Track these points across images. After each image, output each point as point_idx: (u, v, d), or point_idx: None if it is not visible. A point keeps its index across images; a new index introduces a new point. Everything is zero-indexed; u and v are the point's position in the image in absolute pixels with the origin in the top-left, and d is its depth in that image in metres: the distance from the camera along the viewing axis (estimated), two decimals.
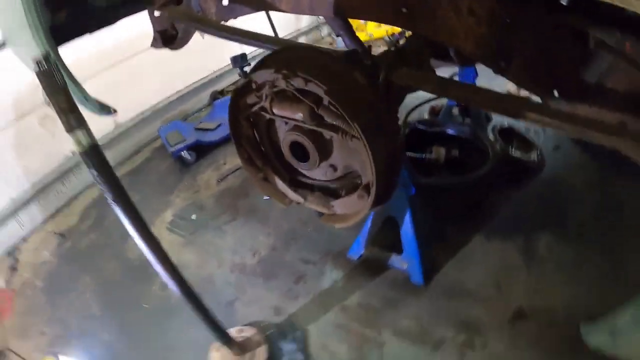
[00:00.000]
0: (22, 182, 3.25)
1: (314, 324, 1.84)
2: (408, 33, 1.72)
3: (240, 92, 1.03)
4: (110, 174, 1.11)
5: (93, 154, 1.08)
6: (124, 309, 2.34)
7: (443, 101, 2.67)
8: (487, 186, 2.12)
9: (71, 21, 1.42)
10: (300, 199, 1.16)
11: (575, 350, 1.49)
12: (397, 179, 1.09)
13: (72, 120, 1.05)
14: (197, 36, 1.89)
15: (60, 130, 2.85)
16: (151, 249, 1.26)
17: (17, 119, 3.15)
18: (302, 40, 5.16)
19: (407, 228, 1.77)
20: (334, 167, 1.04)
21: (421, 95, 1.40)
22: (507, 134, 2.42)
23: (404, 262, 1.87)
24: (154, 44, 1.92)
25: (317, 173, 1.10)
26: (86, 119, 1.17)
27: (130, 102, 3.51)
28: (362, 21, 4.31)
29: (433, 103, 2.77)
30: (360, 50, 1.17)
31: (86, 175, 3.42)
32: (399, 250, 1.88)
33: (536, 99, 0.99)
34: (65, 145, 3.38)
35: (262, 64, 0.97)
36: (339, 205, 1.12)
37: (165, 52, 2.00)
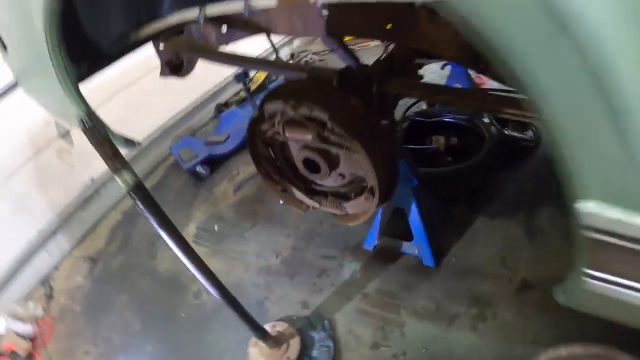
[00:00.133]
0: (46, 213, 3.49)
1: (339, 312, 2.05)
2: None
3: (255, 121, 1.26)
4: (153, 204, 1.32)
5: (138, 190, 1.29)
6: (163, 320, 2.54)
7: None
8: (487, 169, 2.29)
9: (90, 69, 1.63)
10: (316, 205, 1.39)
11: (578, 313, 1.70)
12: (396, 179, 1.32)
13: (118, 164, 1.26)
14: None
15: (77, 161, 3.12)
16: (192, 261, 1.49)
17: (34, 155, 3.38)
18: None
19: (414, 217, 1.97)
20: (342, 176, 1.27)
21: None
22: None
23: (415, 248, 2.07)
24: (163, 74, 2.14)
25: (328, 181, 1.32)
26: None
27: (140, 124, 3.73)
28: None
29: None
30: (353, 66, 1.39)
31: (106, 200, 3.69)
32: (409, 237, 2.06)
33: None
34: (84, 174, 3.62)
35: (273, 96, 1.19)
36: (350, 207, 1.34)
37: None
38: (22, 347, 2.82)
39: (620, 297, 0.52)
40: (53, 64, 1.30)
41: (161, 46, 1.97)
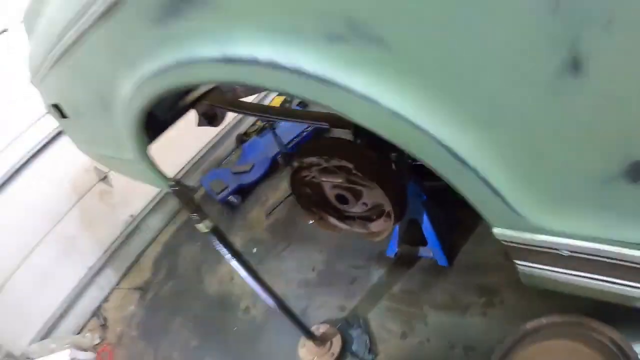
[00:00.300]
0: (94, 251, 4.00)
1: (371, 311, 2.48)
2: None
3: (297, 170, 1.74)
4: (225, 239, 1.78)
5: (214, 231, 1.74)
6: (217, 335, 2.98)
7: None
8: None
9: (151, 138, 2.07)
10: (347, 227, 1.86)
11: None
12: (407, 201, 1.79)
13: (199, 215, 1.72)
14: None
15: (117, 201, 3.67)
16: (256, 280, 1.95)
17: (79, 199, 3.90)
18: None
19: (426, 225, 2.41)
20: (366, 204, 1.74)
21: None
22: None
23: (430, 251, 2.49)
24: (200, 124, 2.61)
25: (355, 209, 1.79)
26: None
27: (170, 162, 4.22)
28: None
29: None
30: None
31: (146, 234, 4.19)
32: (424, 243, 2.46)
33: None
34: (124, 212, 4.13)
35: (309, 152, 1.67)
36: (374, 226, 1.82)
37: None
38: None
39: (541, 275, 0.95)
40: (133, 146, 1.74)
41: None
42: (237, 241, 3.43)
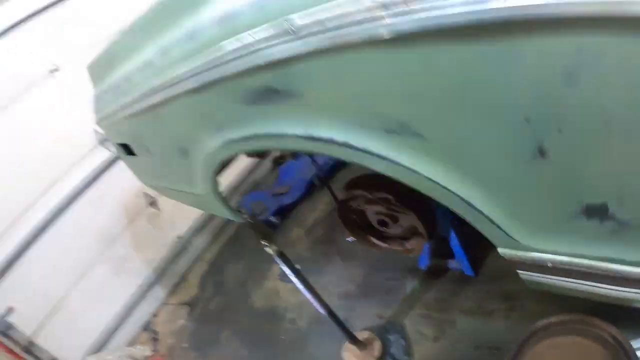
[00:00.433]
0: (143, 270, 4.42)
1: (407, 318, 2.83)
2: None
3: (345, 200, 2.17)
4: (289, 261, 2.20)
5: (280, 255, 2.17)
6: (266, 344, 3.35)
7: None
8: None
9: None
10: (386, 246, 2.28)
11: None
12: (437, 223, 2.20)
13: (268, 241, 2.15)
14: None
15: (164, 224, 4.15)
16: (310, 292, 2.36)
17: (129, 222, 4.34)
18: None
19: (454, 241, 2.76)
20: (402, 227, 2.16)
21: None
22: None
23: (457, 262, 2.83)
24: (250, 155, 3.05)
25: (394, 230, 2.21)
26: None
27: None
28: None
29: None
30: None
31: (192, 253, 4.62)
32: (452, 256, 2.79)
33: None
34: (171, 233, 4.57)
35: (356, 186, 2.09)
36: (409, 244, 2.23)
37: None
38: None
39: (536, 280, 1.33)
40: (207, 186, 2.04)
41: None
42: None
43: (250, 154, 2.90)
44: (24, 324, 3.95)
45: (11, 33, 4.00)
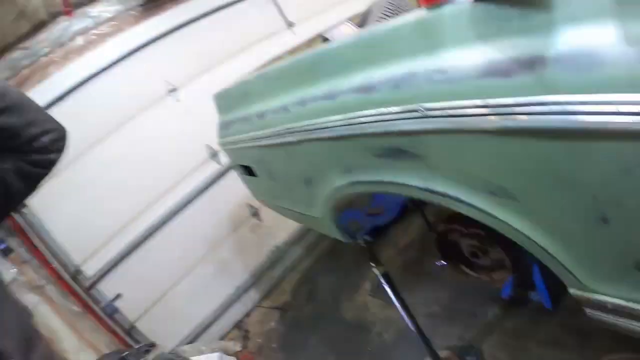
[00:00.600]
0: (242, 273, 4.93)
1: (486, 343, 3.08)
2: None
3: (443, 231, 2.56)
4: (392, 282, 2.60)
5: (385, 276, 2.57)
6: (353, 353, 3.63)
7: None
8: None
9: None
10: (475, 275, 2.65)
11: None
12: (522, 258, 2.54)
13: (376, 263, 2.55)
14: None
15: (265, 233, 4.68)
16: (402, 307, 2.75)
17: (233, 230, 4.87)
18: None
19: (536, 274, 3.08)
20: (491, 259, 2.52)
21: None
22: None
23: (538, 295, 3.16)
24: None
25: (483, 261, 2.57)
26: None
27: None
28: None
29: None
30: None
31: (288, 262, 5.09)
32: (534, 288, 2.96)
33: None
34: (270, 243, 5.07)
35: (453, 221, 2.47)
36: (496, 275, 2.58)
37: None
38: None
39: (599, 317, 1.64)
40: (327, 213, 2.49)
41: None
42: (371, 275, 3.83)
43: None
44: (128, 309, 4.62)
45: (136, 55, 4.71)
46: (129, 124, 4.67)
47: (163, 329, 4.72)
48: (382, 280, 2.67)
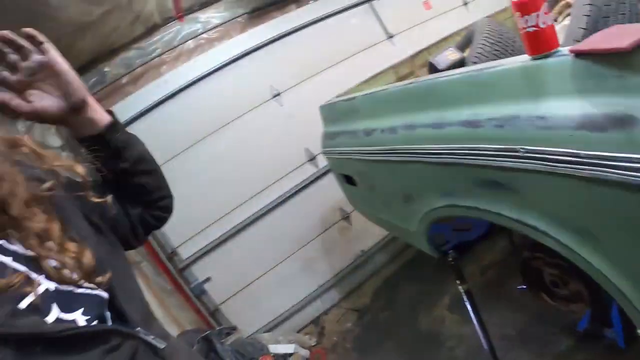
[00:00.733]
0: (326, 273, 5.21)
1: None
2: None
3: (528, 259, 2.73)
4: (473, 299, 2.79)
5: (468, 293, 2.77)
6: None
7: None
8: None
9: None
10: (554, 303, 2.81)
11: None
12: (601, 294, 2.68)
13: (461, 281, 2.75)
14: None
15: (354, 237, 4.96)
16: (480, 325, 2.93)
17: (323, 231, 5.16)
18: None
19: (614, 312, 3.16)
20: (571, 290, 2.67)
21: None
22: None
23: (613, 332, 3.25)
24: None
25: (563, 291, 2.72)
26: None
27: None
28: None
29: None
30: None
31: (371, 267, 5.34)
32: (609, 324, 3.04)
33: None
34: (357, 247, 5.32)
35: (539, 249, 2.64)
36: (574, 306, 2.73)
37: None
38: None
39: None
40: (422, 229, 2.71)
41: None
42: (451, 290, 4.18)
43: None
44: (215, 292, 5.07)
45: (243, 59, 5.25)
46: (234, 123, 5.11)
47: (245, 315, 5.14)
48: (465, 298, 2.84)
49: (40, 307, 0.89)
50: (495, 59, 3.01)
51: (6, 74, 1.14)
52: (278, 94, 5.24)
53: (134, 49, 4.96)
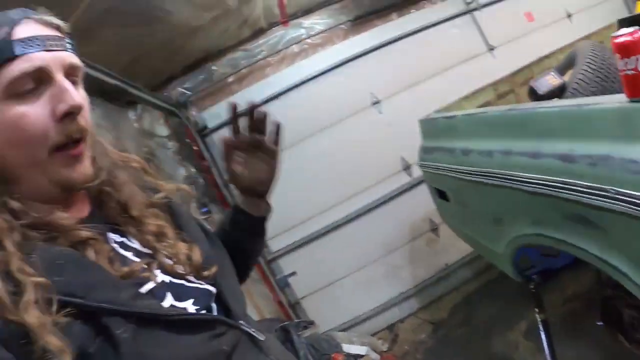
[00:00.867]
0: (407, 281, 5.31)
1: None
2: None
3: (609, 297, 2.77)
4: (548, 329, 2.84)
5: (544, 322, 2.82)
6: None
7: None
8: None
9: None
10: (629, 346, 2.81)
11: None
12: None
13: (540, 309, 2.81)
14: None
15: (440, 249, 5.05)
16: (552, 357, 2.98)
17: (410, 240, 5.26)
18: None
19: None
20: None
21: None
22: None
23: None
24: None
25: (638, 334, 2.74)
26: None
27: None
28: None
29: None
30: None
31: (453, 282, 5.39)
32: None
33: None
34: (442, 259, 5.38)
35: (620, 289, 2.66)
36: None
37: None
38: None
39: None
40: (508, 251, 2.71)
41: None
42: (529, 315, 3.94)
43: None
44: (298, 287, 5.29)
45: (345, 66, 5.44)
46: (334, 127, 5.33)
47: (323, 311, 5.32)
48: (541, 327, 2.89)
49: (157, 294, 1.05)
50: (596, 86, 3.04)
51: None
52: (378, 102, 5.38)
53: (240, 51, 5.39)
